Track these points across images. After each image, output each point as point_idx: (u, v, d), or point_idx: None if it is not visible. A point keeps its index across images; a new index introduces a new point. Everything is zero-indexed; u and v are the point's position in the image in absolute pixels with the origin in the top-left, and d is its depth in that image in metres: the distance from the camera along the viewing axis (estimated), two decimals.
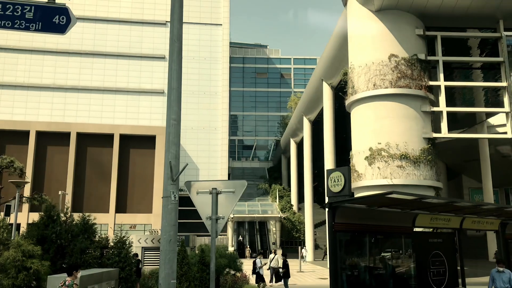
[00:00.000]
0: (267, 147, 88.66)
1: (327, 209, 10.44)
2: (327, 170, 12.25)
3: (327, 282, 19.43)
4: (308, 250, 47.47)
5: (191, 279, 14.96)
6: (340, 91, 38.17)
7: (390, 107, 28.17)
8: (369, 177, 27.95)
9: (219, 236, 42.66)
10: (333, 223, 11.40)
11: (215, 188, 6.84)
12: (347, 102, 30.87)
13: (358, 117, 29.75)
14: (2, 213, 28.37)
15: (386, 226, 12.69)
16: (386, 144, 27.66)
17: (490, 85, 31.63)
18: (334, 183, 11.74)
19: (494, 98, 33.87)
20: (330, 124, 41.52)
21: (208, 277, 14.51)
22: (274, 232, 55.79)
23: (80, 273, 9.71)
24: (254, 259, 21.38)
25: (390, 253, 12.90)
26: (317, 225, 54.17)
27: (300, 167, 59.39)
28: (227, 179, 60.73)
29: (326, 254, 42.71)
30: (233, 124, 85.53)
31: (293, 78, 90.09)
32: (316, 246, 50.32)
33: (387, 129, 27.95)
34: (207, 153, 63.04)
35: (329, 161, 40.50)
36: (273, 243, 55.01)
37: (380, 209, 12.38)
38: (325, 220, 43.21)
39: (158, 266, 6.40)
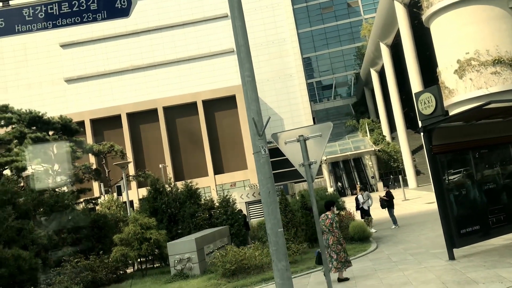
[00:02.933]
0: (347, 82, 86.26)
1: (422, 134, 10.03)
2: (415, 93, 11.66)
3: (434, 206, 18.96)
4: (409, 177, 46.43)
5: (297, 224, 15.36)
6: (414, 7, 35.65)
7: (472, 11, 25.83)
8: (462, 91, 26.24)
9: (316, 180, 43.09)
10: (430, 146, 10.97)
11: (302, 135, 6.82)
12: (424, 17, 28.85)
13: (439, 30, 27.70)
14: (115, 194, 30.91)
15: (489, 139, 11.95)
16: (475, 52, 25.63)
17: None
18: (424, 105, 11.17)
19: None
20: (410, 45, 39.18)
21: (313, 220, 14.80)
22: (370, 166, 55.14)
23: (335, 208, 12.10)
24: (356, 195, 21.35)
25: (497, 166, 12.20)
26: (414, 151, 52.54)
27: (386, 96, 57.32)
28: (312, 123, 60.43)
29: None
30: (308, 67, 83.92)
31: (361, 4, 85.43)
32: (418, 172, 49.02)
33: (473, 36, 25.80)
34: (288, 102, 62.95)
35: (415, 84, 38.55)
36: (372, 177, 54.50)
37: (479, 123, 11.64)
38: (422, 144, 41.67)
39: (263, 218, 6.63)
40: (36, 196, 17.30)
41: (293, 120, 61.48)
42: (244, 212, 23.19)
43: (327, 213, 10.82)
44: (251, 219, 24.18)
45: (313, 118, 66.28)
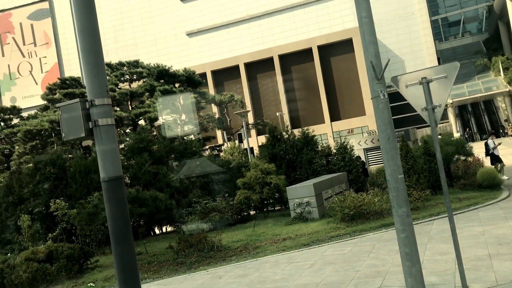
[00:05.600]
0: (478, 17, 77.80)
1: None
2: None
3: None
4: None
5: (419, 171, 14.84)
6: None
7: None
8: None
9: (440, 125, 40.60)
10: None
11: (425, 77, 6.46)
12: None
13: None
14: (237, 141, 32.43)
15: None
16: None
17: None
18: None
19: None
20: None
21: (436, 167, 14.16)
22: (504, 108, 50.23)
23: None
24: (485, 140, 19.82)
25: None
26: None
27: None
28: (437, 64, 56.20)
29: None
30: (432, 2, 76.94)
31: None
32: None
33: None
34: (409, 42, 59.02)
35: None
36: (505, 120, 49.75)
37: None
38: None
39: (383, 164, 6.55)
40: (168, 143, 18.89)
41: (415, 61, 57.73)
42: (363, 158, 22.92)
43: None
44: (370, 166, 23.86)
45: (438, 59, 61.50)
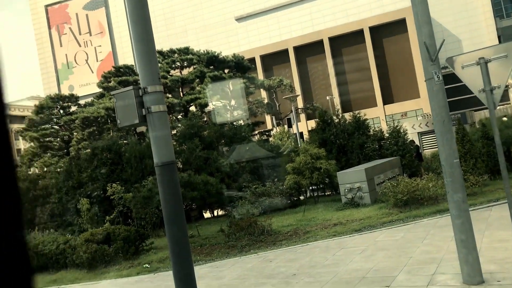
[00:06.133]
0: None
1: None
2: None
3: None
4: None
5: (476, 155, 14.25)
6: None
7: None
8: None
9: (500, 106, 38.66)
10: None
11: (482, 58, 6.15)
12: None
13: None
14: (286, 126, 32.37)
15: None
16: None
17: None
18: None
19: None
20: None
21: (495, 151, 13.54)
22: None
23: None
24: None
25: None
26: None
27: None
28: (497, 43, 53.30)
29: None
30: None
31: None
32: None
33: None
34: (467, 21, 56.25)
35: None
36: None
37: None
38: None
39: (437, 148, 6.34)
40: (218, 129, 19.17)
41: (472, 41, 55.01)
42: (417, 142, 22.29)
43: None
44: (424, 150, 23.17)
45: (499, 37, 58.30)
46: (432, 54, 5.53)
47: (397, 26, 52.73)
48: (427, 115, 28.71)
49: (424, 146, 22.67)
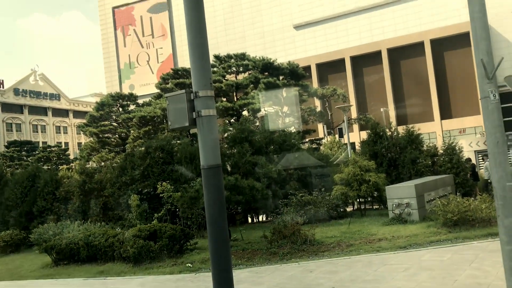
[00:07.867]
0: None
1: None
2: None
3: None
4: None
5: None
6: None
7: None
8: None
9: None
10: None
11: None
12: None
13: None
14: (337, 136, 32.05)
15: None
16: None
17: None
18: None
19: None
20: None
21: None
22: None
23: None
24: None
25: None
26: None
27: None
28: None
29: None
30: None
31: None
32: None
33: None
34: None
35: None
36: None
37: None
38: None
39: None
40: (268, 135, 19.27)
41: None
42: (473, 161, 21.43)
43: None
44: (481, 169, 22.23)
45: None
46: (489, 72, 5.36)
47: (460, 40, 50.90)
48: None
49: (481, 165, 21.72)
